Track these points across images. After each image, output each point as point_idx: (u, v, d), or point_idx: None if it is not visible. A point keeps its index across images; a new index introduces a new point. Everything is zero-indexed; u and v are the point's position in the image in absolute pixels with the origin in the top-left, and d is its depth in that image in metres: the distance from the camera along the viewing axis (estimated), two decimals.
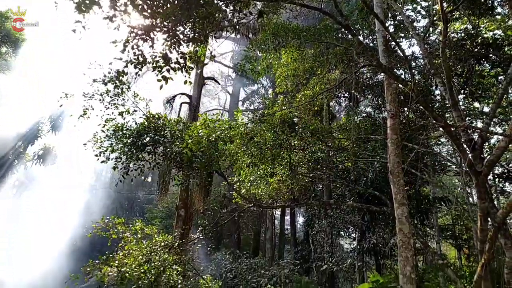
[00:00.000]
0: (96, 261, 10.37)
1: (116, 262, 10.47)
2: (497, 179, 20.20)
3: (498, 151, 8.61)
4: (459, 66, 13.71)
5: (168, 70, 5.98)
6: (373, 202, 16.18)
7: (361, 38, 16.77)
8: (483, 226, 8.81)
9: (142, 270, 10.85)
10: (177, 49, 5.92)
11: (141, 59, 5.76)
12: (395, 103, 9.65)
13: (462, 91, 14.56)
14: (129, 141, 10.65)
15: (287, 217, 30.00)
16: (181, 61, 6.07)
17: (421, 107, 11.83)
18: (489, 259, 8.06)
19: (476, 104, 17.73)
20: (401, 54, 11.35)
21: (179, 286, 12.50)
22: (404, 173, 9.52)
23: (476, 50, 13.27)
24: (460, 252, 24.93)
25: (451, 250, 28.44)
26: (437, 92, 15.76)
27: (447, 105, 13.96)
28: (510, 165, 18.91)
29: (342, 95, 23.40)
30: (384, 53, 10.11)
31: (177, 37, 5.82)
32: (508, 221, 18.02)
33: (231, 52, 36.55)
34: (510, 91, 15.20)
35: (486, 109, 17.09)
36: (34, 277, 24.45)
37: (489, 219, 9.27)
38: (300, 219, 34.59)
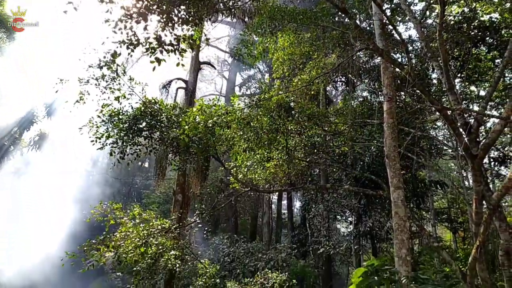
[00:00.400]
0: (93, 241, 10.41)
1: (112, 242, 10.52)
2: (492, 163, 20.31)
3: (493, 134, 8.64)
4: (456, 50, 13.68)
5: (161, 52, 5.92)
6: (370, 186, 16.27)
7: (357, 21, 16.65)
8: (478, 209, 8.89)
9: (139, 253, 10.92)
10: (171, 31, 5.86)
11: (133, 40, 5.70)
12: (392, 87, 9.63)
13: (458, 75, 14.53)
14: (125, 126, 10.61)
15: (284, 202, 30.18)
16: (175, 43, 6.01)
17: (418, 90, 11.82)
18: (483, 241, 8.15)
19: (473, 88, 17.72)
20: (398, 38, 11.29)
21: (177, 270, 12.62)
22: (400, 157, 9.55)
23: (473, 33, 13.22)
24: (455, 235, 25.20)
25: (446, 233, 28.73)
26: (434, 76, 15.74)
27: (443, 89, 13.95)
28: (506, 149, 18.99)
29: (338, 80, 23.35)
30: (380, 37, 10.06)
31: (171, 19, 5.76)
32: (503, 204, 18.20)
33: (227, 36, 36.28)
34: (506, 75, 15.21)
35: (482, 93, 17.10)
36: (33, 263, 24.59)
37: (484, 202, 9.35)
38: (297, 204, 34.81)
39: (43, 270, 24.17)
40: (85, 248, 10.39)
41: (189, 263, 13.13)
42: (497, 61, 14.05)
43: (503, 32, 13.19)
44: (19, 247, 26.41)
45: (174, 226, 12.15)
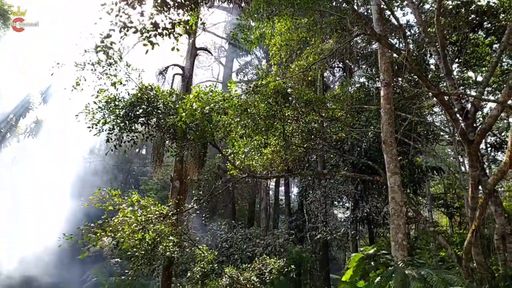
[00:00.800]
0: (92, 224, 10.43)
1: (110, 227, 10.55)
2: (489, 148, 20.41)
3: (490, 119, 8.67)
4: (453, 35, 13.63)
5: (155, 36, 5.86)
6: (367, 171, 16.35)
7: (355, 7, 16.52)
8: (474, 194, 8.96)
9: (137, 238, 10.96)
10: (166, 14, 5.80)
11: (128, 23, 5.63)
12: (389, 72, 9.62)
13: (456, 60, 14.51)
14: (121, 112, 10.55)
15: (282, 188, 30.24)
16: (170, 27, 5.95)
17: (415, 76, 11.80)
18: (479, 226, 8.23)
19: (470, 74, 17.71)
20: (396, 23, 11.23)
21: (175, 256, 12.70)
22: (397, 143, 9.59)
23: (470, 18, 13.16)
24: (452, 220, 25.42)
25: (442, 218, 28.96)
26: (432, 61, 15.70)
27: (441, 75, 13.93)
28: (503, 134, 19.07)
29: (336, 66, 23.29)
30: (378, 22, 10.01)
31: (166, 3, 5.70)
32: (499, 189, 18.33)
33: (223, 22, 35.97)
34: (504, 60, 15.18)
35: (480, 79, 17.08)
36: (32, 252, 24.65)
37: (480, 187, 9.42)
38: (294, 190, 34.96)
39: (42, 258, 24.27)
40: (82, 232, 10.41)
41: (187, 249, 13.21)
42: (495, 46, 14.02)
43: (501, 16, 13.14)
44: (18, 236, 26.45)
45: (171, 213, 12.18)
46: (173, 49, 6.21)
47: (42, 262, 24.35)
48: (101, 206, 10.84)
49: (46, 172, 29.49)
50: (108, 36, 5.97)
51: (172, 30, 5.89)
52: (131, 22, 5.65)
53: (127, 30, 5.70)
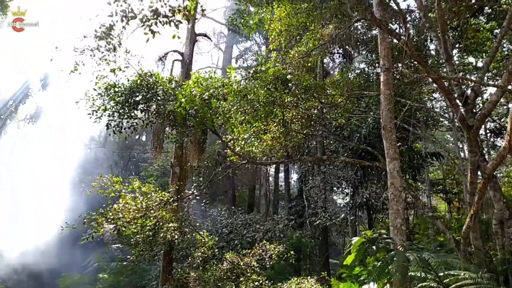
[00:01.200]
0: (93, 213, 10.53)
1: (110, 213, 10.64)
2: (488, 134, 20.43)
3: (490, 105, 8.68)
4: (454, 20, 13.53)
5: (156, 24, 5.85)
6: (366, 157, 16.39)
7: None
8: (473, 179, 9.01)
9: (138, 225, 11.07)
10: (166, 2, 5.78)
11: (128, 12, 5.62)
12: (389, 58, 9.58)
13: (456, 45, 14.44)
14: (121, 99, 10.55)
15: (281, 174, 30.37)
16: (170, 14, 5.93)
17: (415, 61, 11.76)
18: (477, 210, 8.29)
19: (471, 59, 17.64)
20: (396, 8, 11.15)
21: (176, 241, 12.82)
22: (396, 129, 9.60)
23: (471, 3, 13.06)
24: (450, 205, 25.55)
25: (441, 203, 29.10)
26: (432, 47, 15.63)
27: (441, 61, 13.89)
28: (502, 120, 19.07)
29: (336, 51, 23.17)
30: (378, 7, 9.93)
31: None
32: (498, 175, 18.41)
33: (223, 8, 35.72)
34: (504, 45, 15.11)
35: (480, 65, 17.02)
36: (34, 239, 24.79)
37: (479, 172, 9.46)
38: (294, 176, 35.06)
39: (43, 246, 24.43)
40: (84, 220, 10.52)
41: (188, 235, 13.32)
42: (495, 31, 13.94)
43: (502, 1, 13.04)
44: (19, 224, 26.53)
45: (172, 199, 12.26)
46: (174, 37, 6.20)
47: (43, 250, 24.52)
48: (103, 193, 10.94)
49: (46, 158, 29.55)
50: (111, 27, 5.96)
51: (172, 17, 5.88)
52: (132, 10, 5.63)
53: (128, 20, 5.69)
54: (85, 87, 10.56)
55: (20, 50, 28.88)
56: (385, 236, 7.82)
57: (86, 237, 10.58)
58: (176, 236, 12.42)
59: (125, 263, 20.89)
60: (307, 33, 12.98)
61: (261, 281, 11.89)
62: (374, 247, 7.58)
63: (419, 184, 22.42)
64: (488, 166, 8.57)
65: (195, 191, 13.39)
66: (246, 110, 11.36)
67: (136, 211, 11.08)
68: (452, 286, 6.93)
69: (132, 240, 12.10)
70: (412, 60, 13.79)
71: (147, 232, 11.69)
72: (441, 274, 6.99)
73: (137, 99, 10.68)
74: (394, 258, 6.90)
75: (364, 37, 18.45)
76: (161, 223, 11.93)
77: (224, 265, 12.99)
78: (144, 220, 11.30)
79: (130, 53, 10.52)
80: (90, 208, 10.88)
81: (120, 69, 10.50)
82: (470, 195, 9.04)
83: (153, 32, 5.83)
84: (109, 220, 10.62)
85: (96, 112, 10.43)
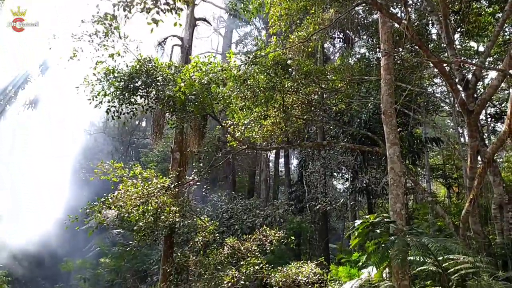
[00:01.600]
0: (95, 203, 10.62)
1: (111, 200, 10.72)
2: (489, 119, 20.39)
3: (491, 89, 8.65)
4: (456, 3, 13.41)
5: (157, 12, 5.82)
6: (366, 143, 16.38)
7: None
8: (473, 164, 9.02)
9: (140, 211, 11.14)
10: None
11: (129, 2, 5.59)
12: (390, 42, 9.51)
13: (458, 29, 14.32)
14: (121, 84, 10.52)
15: (281, 160, 30.40)
16: (171, 1, 5.89)
17: (416, 46, 11.67)
18: (477, 195, 8.32)
19: (472, 44, 17.52)
20: None
21: (177, 226, 12.91)
22: (397, 114, 9.58)
23: None
24: (450, 190, 25.62)
25: (441, 188, 29.19)
26: (433, 31, 15.52)
27: (442, 46, 13.79)
28: (503, 105, 19.02)
29: (336, 36, 23.00)
30: None
31: None
32: (498, 160, 18.42)
33: None
34: (506, 30, 14.99)
35: (481, 49, 16.92)
36: (37, 225, 24.88)
37: (479, 157, 9.47)
38: (294, 161, 35.11)
39: (46, 229, 24.53)
40: (87, 211, 10.66)
41: (189, 220, 13.40)
42: (497, 15, 13.81)
43: None
44: (21, 211, 26.57)
45: (173, 185, 12.31)
46: (175, 24, 6.16)
47: (45, 235, 24.63)
48: (105, 179, 11.01)
49: (46, 143, 29.54)
50: (114, 17, 5.92)
51: (173, 4, 5.83)
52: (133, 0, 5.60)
53: (130, 9, 5.66)
54: (84, 73, 10.54)
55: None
56: (388, 220, 7.86)
57: (92, 229, 10.76)
58: (177, 219, 12.51)
59: (127, 248, 21.08)
60: (308, 17, 12.85)
61: (261, 265, 11.98)
62: (378, 230, 7.62)
63: (419, 169, 22.45)
64: (488, 150, 8.58)
65: (195, 177, 13.43)
66: (246, 96, 11.33)
67: (137, 198, 11.15)
68: (451, 270, 7.00)
69: (134, 226, 12.22)
70: (413, 45, 13.69)
71: (149, 218, 11.79)
72: (440, 258, 7.06)
73: (137, 84, 10.65)
74: (394, 243, 6.95)
75: (365, 21, 18.31)
76: (162, 208, 12.01)
77: (224, 249, 13.09)
78: (145, 206, 11.38)
79: (129, 38, 10.47)
80: (92, 194, 10.97)
81: (119, 54, 10.44)
82: (469, 180, 9.07)
83: (155, 21, 5.81)
84: (110, 207, 10.71)
85: (96, 97, 10.42)
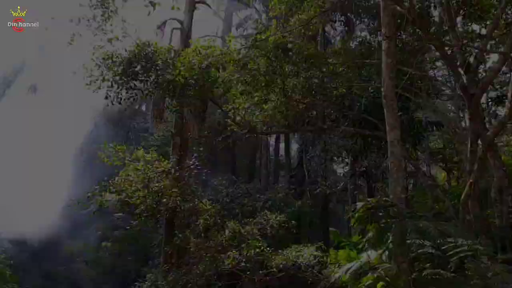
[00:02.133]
0: (96, 187, 10.68)
1: (112, 186, 10.78)
2: (490, 103, 20.30)
3: (492, 73, 8.62)
4: None
5: None
6: (367, 127, 16.34)
7: None
8: (473, 147, 9.02)
9: (142, 195, 11.20)
10: None
11: None
12: (391, 25, 9.42)
13: (460, 12, 14.15)
14: (119, 69, 10.46)
15: (282, 144, 30.40)
16: None
17: (418, 29, 11.57)
18: (477, 178, 8.34)
19: (475, 27, 17.34)
20: None
21: (178, 209, 12.97)
22: (398, 98, 9.54)
23: None
24: (450, 175, 25.64)
25: (441, 173, 29.22)
26: (435, 13, 15.35)
27: (444, 29, 13.66)
28: (504, 88, 18.90)
29: (337, 19, 22.78)
30: None
31: None
32: (498, 144, 18.42)
33: None
34: (508, 12, 14.81)
35: (484, 32, 16.75)
36: (38, 210, 24.97)
37: (479, 141, 9.47)
38: (294, 146, 35.12)
39: (47, 214, 24.62)
40: (88, 195, 10.73)
41: (190, 203, 13.45)
42: None
43: None
44: (22, 197, 26.62)
45: (174, 169, 12.34)
46: (173, 8, 6.12)
47: (47, 219, 24.74)
48: (107, 162, 11.07)
49: (47, 128, 29.45)
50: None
51: None
52: None
53: None
54: (83, 59, 10.48)
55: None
56: (390, 203, 7.89)
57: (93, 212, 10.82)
58: (178, 202, 12.56)
59: (128, 230, 21.18)
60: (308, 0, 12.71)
61: (262, 248, 12.09)
62: (380, 213, 7.66)
63: (420, 153, 22.45)
64: (488, 134, 8.58)
65: (196, 161, 13.45)
66: (247, 80, 11.28)
67: (138, 183, 11.20)
68: (450, 252, 7.06)
69: (138, 211, 12.28)
70: (415, 28, 13.57)
71: (150, 201, 11.84)
72: (439, 241, 7.11)
73: (136, 69, 10.60)
74: (394, 226, 7.00)
75: (366, 4, 18.10)
76: (163, 192, 12.06)
77: (226, 233, 13.17)
78: (146, 191, 11.44)
79: (127, 22, 10.38)
80: (94, 178, 11.03)
81: (118, 38, 10.37)
82: (470, 164, 9.08)
83: (153, 4, 5.77)
84: (112, 192, 10.78)
85: (95, 82, 10.38)
